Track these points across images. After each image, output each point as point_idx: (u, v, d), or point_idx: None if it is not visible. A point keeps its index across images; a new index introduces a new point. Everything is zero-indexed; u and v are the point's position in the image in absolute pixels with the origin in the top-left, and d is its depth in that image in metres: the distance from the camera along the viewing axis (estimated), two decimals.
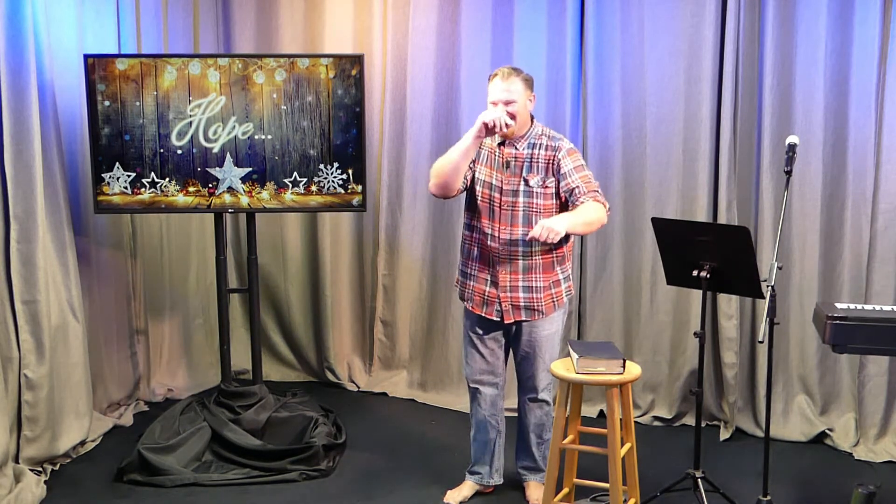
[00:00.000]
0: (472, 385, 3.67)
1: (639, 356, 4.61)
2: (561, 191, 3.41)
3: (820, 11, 4.18)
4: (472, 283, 3.56)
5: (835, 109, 4.24)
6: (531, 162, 3.43)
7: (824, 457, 4.22)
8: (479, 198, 3.50)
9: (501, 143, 3.48)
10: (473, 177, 3.51)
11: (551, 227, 3.15)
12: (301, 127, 4.05)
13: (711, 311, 4.44)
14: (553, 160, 3.41)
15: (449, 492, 3.74)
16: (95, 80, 3.95)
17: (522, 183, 3.43)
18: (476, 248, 3.53)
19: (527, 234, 3.38)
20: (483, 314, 3.53)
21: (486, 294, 3.51)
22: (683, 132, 4.47)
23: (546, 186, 3.41)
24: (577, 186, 3.36)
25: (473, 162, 3.50)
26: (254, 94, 4.02)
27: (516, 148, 3.45)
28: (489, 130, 3.32)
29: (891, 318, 3.07)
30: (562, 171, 3.40)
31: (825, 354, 4.37)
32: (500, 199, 3.44)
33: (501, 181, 3.45)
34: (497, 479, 3.75)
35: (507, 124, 3.32)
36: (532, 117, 3.50)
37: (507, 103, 3.37)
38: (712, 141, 4.38)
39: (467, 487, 3.75)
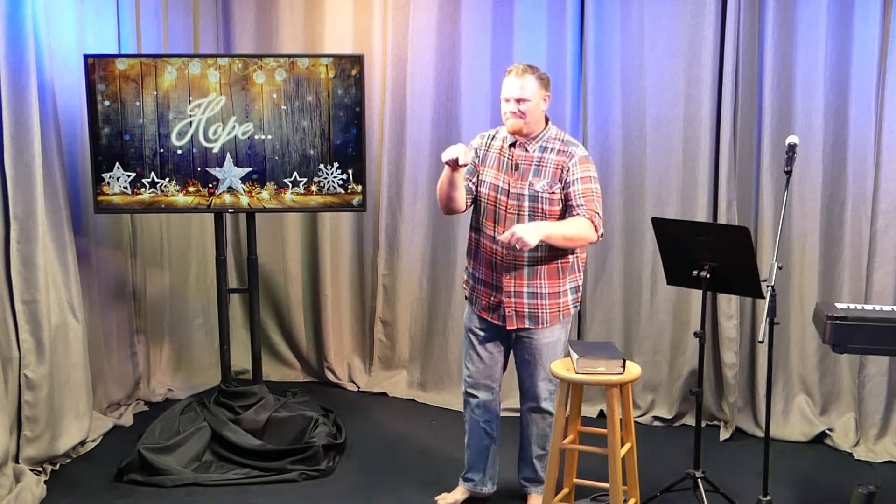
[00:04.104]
0: (467, 389, 3.61)
1: (639, 356, 4.61)
2: (564, 197, 3.35)
3: (820, 11, 4.18)
4: (479, 286, 3.50)
5: (835, 109, 4.24)
6: (539, 166, 3.36)
7: (824, 457, 4.22)
8: (485, 200, 3.43)
9: (512, 145, 3.41)
10: (479, 180, 3.46)
11: (521, 236, 3.11)
12: (301, 127, 4.05)
13: (711, 311, 4.44)
14: (563, 167, 3.33)
15: (444, 494, 3.70)
16: (95, 80, 3.95)
17: (528, 187, 3.35)
18: (481, 251, 3.47)
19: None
20: (489, 318, 3.49)
21: (492, 298, 3.45)
22: (683, 132, 4.47)
23: (552, 192, 3.34)
24: (576, 198, 3.31)
25: (479, 166, 3.47)
26: (254, 94, 4.02)
27: (527, 150, 3.38)
28: (453, 165, 3.25)
29: (891, 318, 3.07)
30: (568, 180, 3.32)
31: (825, 354, 4.37)
32: (507, 203, 3.37)
33: (508, 184, 3.38)
34: (490, 488, 3.68)
35: (463, 158, 3.22)
36: (547, 119, 3.44)
37: (518, 101, 3.32)
38: (712, 141, 4.38)
39: (459, 492, 3.69)
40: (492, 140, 3.50)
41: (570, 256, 3.41)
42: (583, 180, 3.32)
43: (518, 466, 3.70)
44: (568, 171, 3.33)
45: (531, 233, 3.15)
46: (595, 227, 3.29)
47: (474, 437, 3.63)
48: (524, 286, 3.39)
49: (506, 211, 3.38)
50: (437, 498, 3.68)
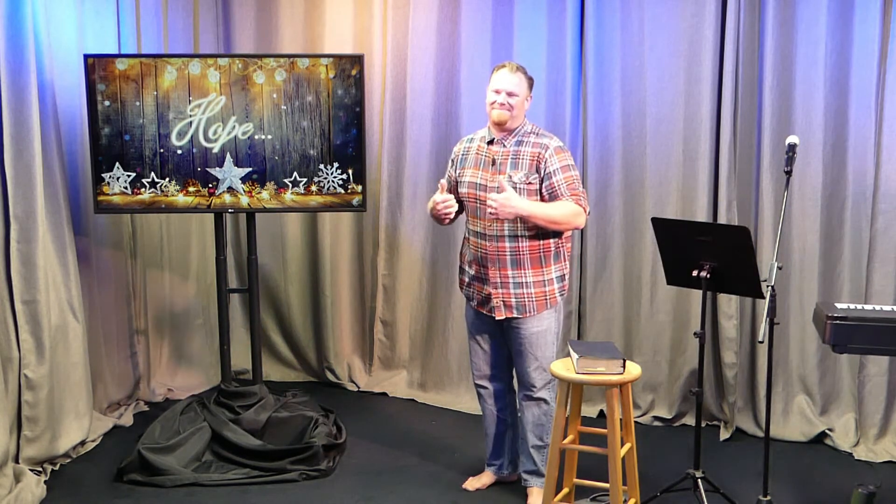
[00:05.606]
0: (475, 381, 3.76)
1: (639, 356, 4.61)
2: (543, 190, 3.42)
3: (820, 11, 4.18)
4: (472, 282, 3.60)
5: (835, 109, 4.24)
6: (516, 158, 3.46)
7: (824, 457, 4.21)
8: (467, 199, 3.56)
9: (491, 142, 3.52)
10: (459, 181, 3.60)
11: (505, 202, 3.25)
12: (301, 127, 4.05)
13: (711, 311, 4.44)
14: (539, 158, 3.42)
15: (471, 478, 3.83)
16: (95, 80, 3.95)
17: (507, 179, 3.43)
18: (469, 247, 3.59)
19: (512, 230, 3.42)
20: (484, 312, 3.57)
21: (483, 291, 3.55)
22: (683, 132, 4.47)
23: (530, 183, 3.42)
24: (560, 188, 3.39)
25: (459, 169, 3.60)
26: (254, 94, 4.02)
27: (504, 145, 3.49)
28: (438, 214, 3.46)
29: (891, 318, 3.07)
30: (547, 171, 3.41)
31: (825, 354, 4.37)
32: (487, 198, 3.44)
33: (487, 179, 3.49)
34: (513, 471, 3.81)
35: (446, 211, 3.44)
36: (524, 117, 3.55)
37: (509, 94, 3.42)
38: (712, 141, 4.38)
39: (486, 476, 3.83)
40: (471, 143, 3.64)
41: (552, 243, 3.48)
42: (562, 169, 3.41)
43: (518, 460, 3.75)
44: (545, 161, 3.42)
45: (516, 203, 3.29)
46: (583, 209, 3.39)
47: (490, 424, 3.79)
48: (509, 276, 3.47)
49: (487, 205, 3.45)
50: (465, 484, 3.81)
